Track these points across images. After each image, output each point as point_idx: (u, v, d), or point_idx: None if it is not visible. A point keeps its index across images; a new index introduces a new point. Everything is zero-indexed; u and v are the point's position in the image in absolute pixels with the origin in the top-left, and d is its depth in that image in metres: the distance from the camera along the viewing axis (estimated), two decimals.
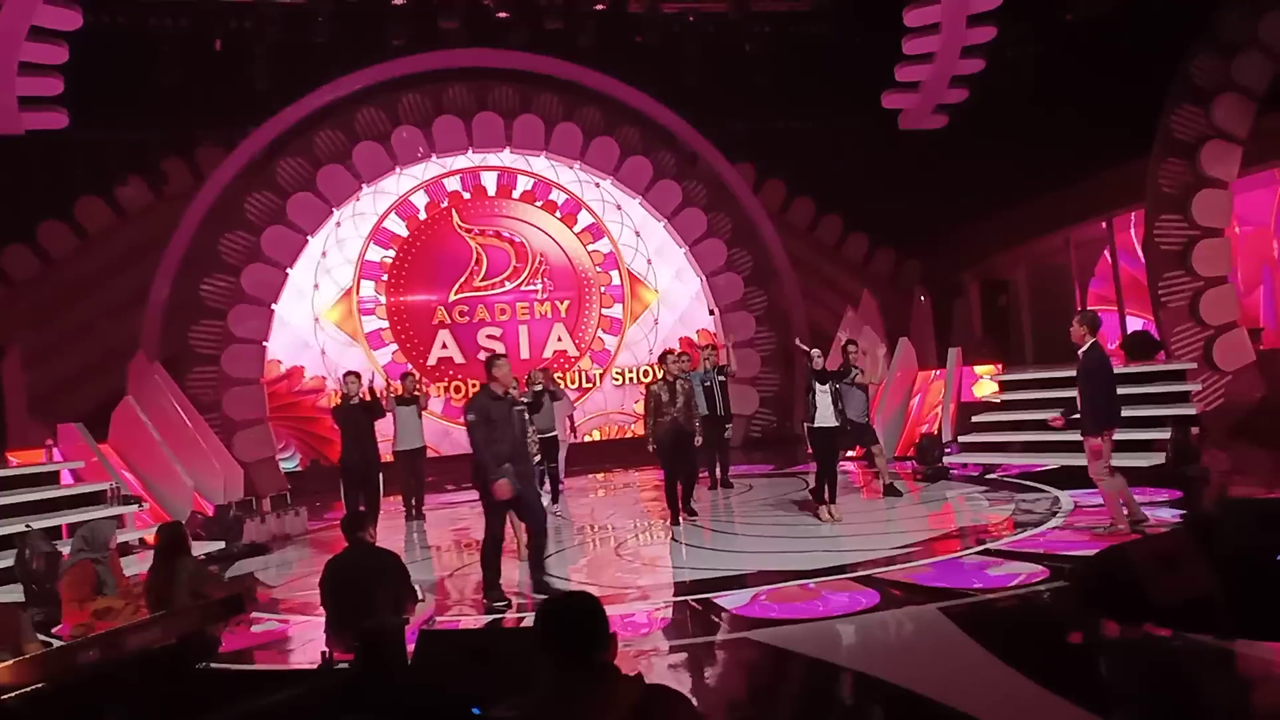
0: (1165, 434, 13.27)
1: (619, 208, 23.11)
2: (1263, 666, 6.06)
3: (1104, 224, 18.25)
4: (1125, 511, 10.11)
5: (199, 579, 8.17)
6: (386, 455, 15.06)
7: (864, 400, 13.99)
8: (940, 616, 7.61)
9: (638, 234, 23.29)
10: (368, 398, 14.09)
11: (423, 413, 15.83)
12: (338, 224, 21.25)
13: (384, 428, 14.41)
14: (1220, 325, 16.43)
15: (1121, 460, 13.34)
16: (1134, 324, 18.96)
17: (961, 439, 16.44)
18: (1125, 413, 14.40)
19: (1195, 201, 16.52)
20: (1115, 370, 10.65)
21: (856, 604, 8.23)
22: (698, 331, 23.16)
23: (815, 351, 12.79)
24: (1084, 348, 10.39)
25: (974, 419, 16.59)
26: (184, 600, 7.76)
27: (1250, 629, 5.76)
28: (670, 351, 13.63)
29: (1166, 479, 12.56)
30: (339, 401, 14.90)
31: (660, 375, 13.20)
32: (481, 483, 9.40)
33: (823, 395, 12.28)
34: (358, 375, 14.28)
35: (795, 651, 7.18)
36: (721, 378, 15.35)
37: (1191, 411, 14.27)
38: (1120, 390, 15.04)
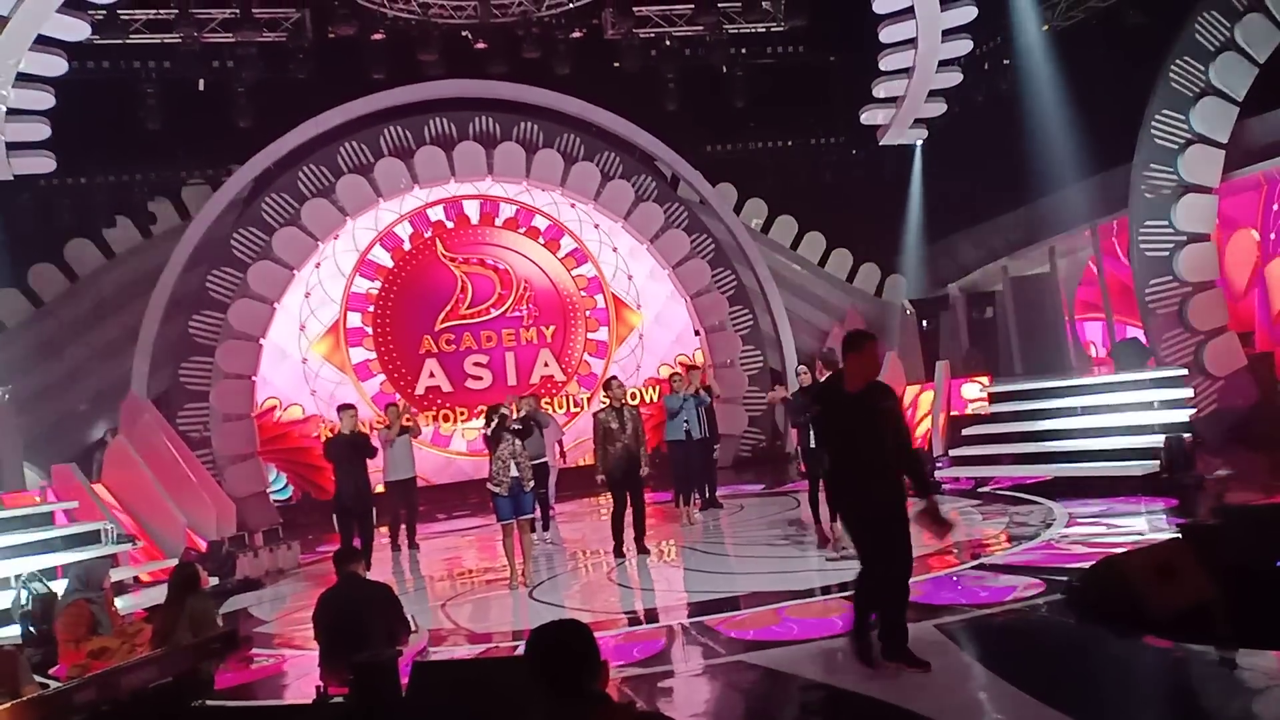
0: (1159, 441, 13.24)
1: (603, 231, 23.11)
2: (1263, 675, 6.02)
3: (1088, 232, 18.26)
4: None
5: (200, 621, 8.11)
6: (378, 486, 15.00)
7: None
8: (936, 634, 7.57)
9: (629, 276, 23.27)
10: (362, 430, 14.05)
11: (414, 441, 15.78)
12: (335, 236, 21.13)
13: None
14: (1210, 330, 16.39)
15: (1116, 469, 13.38)
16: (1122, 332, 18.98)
17: (952, 452, 16.40)
18: (1118, 421, 14.50)
19: (1179, 207, 16.50)
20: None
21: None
22: (676, 358, 23.07)
23: (801, 368, 12.88)
24: None
25: (964, 432, 16.56)
26: (185, 639, 7.74)
27: (1250, 637, 5.73)
28: (614, 379, 13.69)
29: (1161, 487, 12.53)
30: (331, 435, 14.87)
31: (608, 403, 13.07)
32: (845, 502, 7.61)
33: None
34: (353, 409, 14.24)
35: (790, 673, 7.13)
36: (707, 399, 15.32)
37: (1185, 418, 14.23)
38: (1112, 399, 15.21)
